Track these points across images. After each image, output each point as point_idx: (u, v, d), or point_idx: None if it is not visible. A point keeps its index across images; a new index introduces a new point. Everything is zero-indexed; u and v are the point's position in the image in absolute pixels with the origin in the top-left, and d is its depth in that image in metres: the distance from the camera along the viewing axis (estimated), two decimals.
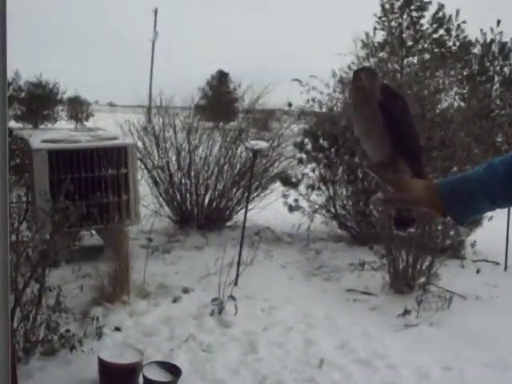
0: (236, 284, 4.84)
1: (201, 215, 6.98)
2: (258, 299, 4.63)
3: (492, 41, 20.03)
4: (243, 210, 5.82)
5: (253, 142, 5.32)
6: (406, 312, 4.40)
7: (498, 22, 19.19)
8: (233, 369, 3.44)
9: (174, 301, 4.54)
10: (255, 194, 7.04)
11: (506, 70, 20.53)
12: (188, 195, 6.94)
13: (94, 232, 5.63)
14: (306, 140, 7.08)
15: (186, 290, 4.77)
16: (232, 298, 4.41)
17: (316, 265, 5.86)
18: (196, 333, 3.88)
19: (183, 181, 6.90)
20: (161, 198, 7.02)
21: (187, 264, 5.55)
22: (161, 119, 7.03)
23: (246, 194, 6.37)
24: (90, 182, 5.04)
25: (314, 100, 7.02)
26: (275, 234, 7.10)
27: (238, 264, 5.01)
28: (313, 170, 7.03)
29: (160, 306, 4.40)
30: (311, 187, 7.00)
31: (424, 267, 4.99)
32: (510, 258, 6.03)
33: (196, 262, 5.53)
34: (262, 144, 5.35)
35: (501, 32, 19.65)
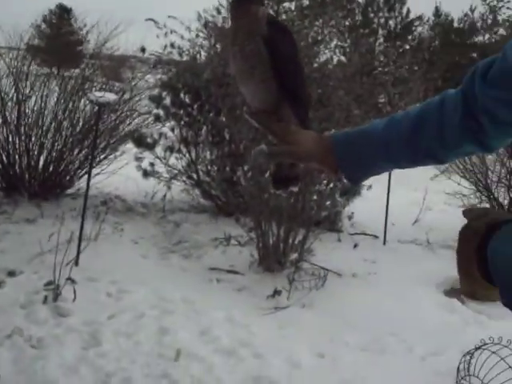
0: (77, 264, 4.66)
1: (34, 181, 6.62)
2: (103, 282, 4.49)
3: None
4: (87, 175, 5.59)
5: (98, 94, 5.08)
6: (276, 293, 4.48)
7: None
8: (70, 367, 3.28)
9: None
10: (102, 157, 6.81)
11: (391, 23, 21.58)
12: (17, 156, 6.52)
13: None
14: (164, 93, 6.91)
15: (12, 273, 4.49)
16: (71, 280, 4.24)
17: (174, 240, 5.81)
18: (24, 325, 3.66)
19: (10, 139, 6.45)
20: None
21: (15, 241, 5.24)
22: None
23: (90, 157, 6.12)
24: None
25: (172, 46, 6.84)
26: (126, 203, 6.94)
27: (80, 240, 4.82)
28: (172, 130, 6.91)
29: None
30: (170, 149, 6.88)
31: (297, 242, 5.11)
32: (389, 231, 6.38)
33: (26, 239, 5.24)
34: (110, 96, 5.13)
35: None
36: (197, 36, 6.92)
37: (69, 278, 4.23)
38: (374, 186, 5.82)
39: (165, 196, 6.78)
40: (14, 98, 6.39)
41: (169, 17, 6.64)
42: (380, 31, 20.54)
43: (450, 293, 4.95)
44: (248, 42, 1.16)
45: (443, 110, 1.15)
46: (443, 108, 1.15)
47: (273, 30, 1.18)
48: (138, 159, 6.87)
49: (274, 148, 1.21)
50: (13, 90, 6.40)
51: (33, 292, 4.14)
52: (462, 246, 0.95)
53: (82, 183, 6.67)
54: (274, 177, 1.33)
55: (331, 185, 5.31)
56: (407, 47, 19.68)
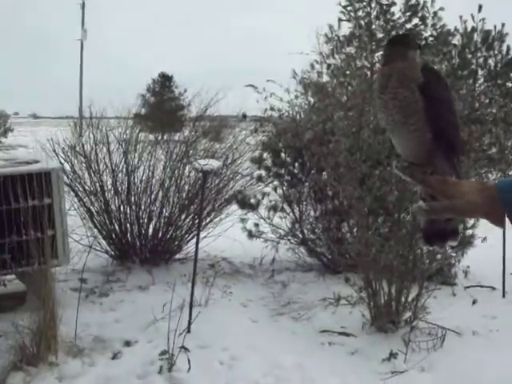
0: (189, 331, 4.68)
1: (144, 248, 6.79)
2: (215, 349, 4.48)
3: (473, 29, 20.42)
4: (194, 240, 5.67)
5: (202, 162, 5.17)
6: (392, 355, 4.31)
7: (480, 7, 19.55)
8: None
9: (114, 357, 4.35)
10: (208, 220, 6.89)
11: (491, 62, 20.96)
12: (128, 225, 6.72)
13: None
14: (265, 154, 6.99)
15: (127, 343, 4.57)
16: (184, 349, 4.25)
17: (283, 301, 5.75)
18: None
19: (122, 208, 6.68)
20: (95, 230, 6.78)
21: (129, 309, 5.35)
22: (92, 135, 6.82)
23: (197, 221, 6.22)
24: (5, 217, 4.80)
25: (272, 109, 6.92)
26: (233, 265, 6.97)
27: (191, 306, 4.85)
28: (274, 189, 6.95)
29: (96, 365, 4.20)
30: (273, 208, 6.91)
31: (410, 299, 4.93)
32: (508, 282, 6.00)
33: (140, 306, 5.33)
34: (214, 163, 5.21)
35: (483, 19, 20.00)
36: (296, 97, 6.96)
37: (182, 347, 4.24)
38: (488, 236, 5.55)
39: (273, 260, 6.81)
40: (124, 170, 6.65)
41: (267, 81, 6.73)
42: (480, 72, 20.00)
43: None
44: (403, 90, 1.12)
45: None
46: None
47: (428, 78, 1.14)
48: (243, 220, 6.94)
49: (434, 204, 1.15)
50: (122, 162, 6.66)
51: (148, 362, 4.18)
52: None
53: (189, 247, 6.78)
54: (426, 233, 1.26)
55: None
56: (510, 85, 19.03)
